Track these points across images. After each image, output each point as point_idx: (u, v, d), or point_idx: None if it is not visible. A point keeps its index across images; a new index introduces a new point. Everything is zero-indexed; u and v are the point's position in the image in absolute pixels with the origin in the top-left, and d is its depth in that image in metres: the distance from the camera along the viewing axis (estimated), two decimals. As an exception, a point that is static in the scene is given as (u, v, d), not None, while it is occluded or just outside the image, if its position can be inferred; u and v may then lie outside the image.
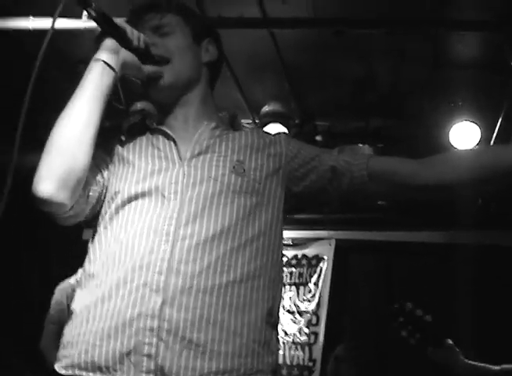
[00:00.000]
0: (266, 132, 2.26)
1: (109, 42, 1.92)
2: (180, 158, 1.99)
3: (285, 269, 6.63)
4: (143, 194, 1.93)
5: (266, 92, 5.44)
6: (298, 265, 6.68)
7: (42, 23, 4.21)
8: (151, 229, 1.86)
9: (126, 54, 1.95)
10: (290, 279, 6.63)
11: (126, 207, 1.93)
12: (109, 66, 1.92)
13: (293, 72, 5.12)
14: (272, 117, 5.34)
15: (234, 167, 1.98)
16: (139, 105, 4.95)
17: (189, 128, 2.10)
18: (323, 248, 6.66)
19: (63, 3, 1.75)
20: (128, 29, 1.94)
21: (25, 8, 4.29)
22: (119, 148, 2.09)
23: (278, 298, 1.97)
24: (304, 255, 6.70)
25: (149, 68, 2.03)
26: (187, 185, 1.92)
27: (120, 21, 1.94)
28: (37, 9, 4.25)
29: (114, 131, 2.21)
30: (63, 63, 4.59)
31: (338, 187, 2.06)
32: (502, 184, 2.00)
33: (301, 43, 4.75)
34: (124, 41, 1.92)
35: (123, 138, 2.16)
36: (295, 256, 6.72)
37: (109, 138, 2.13)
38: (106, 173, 2.01)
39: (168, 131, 2.07)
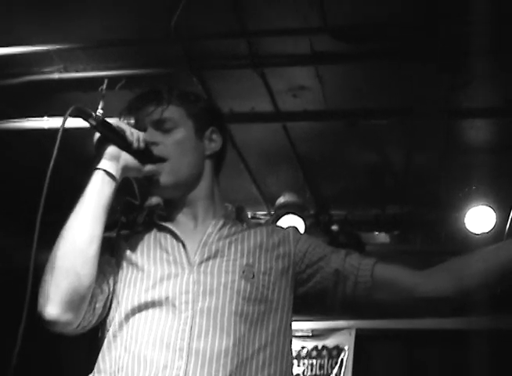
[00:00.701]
0: (276, 226, 2.23)
1: (109, 149, 1.90)
2: (189, 263, 1.94)
3: (305, 361, 6.56)
4: (153, 304, 1.88)
5: (281, 184, 5.46)
6: (319, 356, 6.57)
7: (57, 122, 4.28)
8: (163, 342, 1.81)
9: (127, 157, 1.93)
10: (311, 371, 6.52)
11: (136, 316, 1.89)
12: (110, 175, 1.89)
13: (307, 162, 5.16)
14: (288, 208, 5.34)
15: (243, 272, 1.93)
16: (154, 200, 4.97)
17: (198, 225, 2.07)
18: (343, 338, 6.57)
19: (67, 116, 1.75)
20: (128, 130, 1.92)
21: (41, 108, 4.38)
22: (126, 249, 2.03)
23: None
24: (324, 346, 6.61)
25: (147, 168, 2.00)
26: (198, 294, 1.87)
27: (119, 123, 1.95)
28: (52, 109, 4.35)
29: (123, 228, 2.19)
30: (79, 161, 4.64)
31: (342, 291, 2.01)
32: None
33: (313, 134, 4.80)
34: (123, 144, 1.91)
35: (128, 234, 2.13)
36: (315, 347, 6.63)
37: (118, 237, 2.09)
38: (111, 279, 1.97)
39: (177, 232, 2.02)
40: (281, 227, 2.20)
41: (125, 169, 1.94)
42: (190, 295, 1.87)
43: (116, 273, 1.98)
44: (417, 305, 2.02)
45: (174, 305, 1.86)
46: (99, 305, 1.91)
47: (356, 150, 5.02)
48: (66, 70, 4.29)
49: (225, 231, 2.05)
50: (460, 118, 4.42)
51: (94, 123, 1.84)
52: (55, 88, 4.41)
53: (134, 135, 1.93)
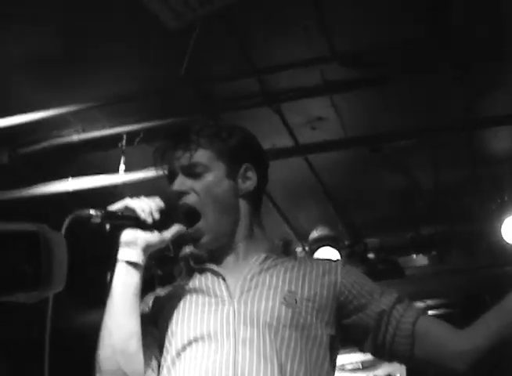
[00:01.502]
0: (322, 259, 2.15)
1: (124, 236, 1.85)
2: (230, 296, 1.92)
3: (358, 392, 6.45)
4: (197, 340, 1.86)
5: (311, 218, 5.44)
6: (370, 388, 6.47)
7: (81, 183, 4.31)
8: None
9: (145, 236, 1.87)
10: (364, 403, 6.41)
11: (182, 355, 1.87)
12: (132, 264, 1.85)
13: (334, 193, 5.13)
14: (322, 242, 5.30)
15: (285, 298, 1.89)
16: (188, 249, 4.96)
17: (239, 261, 2.03)
18: (394, 367, 6.45)
19: (65, 228, 1.65)
20: (138, 207, 1.85)
21: (65, 170, 4.42)
22: (168, 305, 2.01)
23: None
24: (375, 377, 6.50)
25: (172, 232, 1.93)
26: (238, 324, 1.84)
27: (127, 202, 1.87)
28: (75, 170, 4.38)
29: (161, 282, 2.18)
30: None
31: (383, 334, 1.95)
32: None
33: (337, 164, 4.78)
34: (137, 224, 1.86)
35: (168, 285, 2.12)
36: (366, 379, 6.53)
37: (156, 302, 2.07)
38: (157, 351, 1.95)
39: (216, 269, 2.00)
40: (328, 259, 2.12)
41: (147, 248, 1.87)
42: (231, 327, 1.84)
43: (162, 339, 1.95)
44: (452, 364, 1.90)
45: (216, 339, 1.84)
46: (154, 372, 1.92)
47: (383, 174, 4.99)
48: (85, 131, 4.33)
49: (267, 264, 2.00)
50: (483, 128, 4.37)
51: (98, 220, 1.76)
52: (76, 150, 4.45)
53: (145, 209, 1.86)
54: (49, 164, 4.50)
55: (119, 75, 3.87)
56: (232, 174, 2.04)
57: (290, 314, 1.86)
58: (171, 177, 2.07)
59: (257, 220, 2.12)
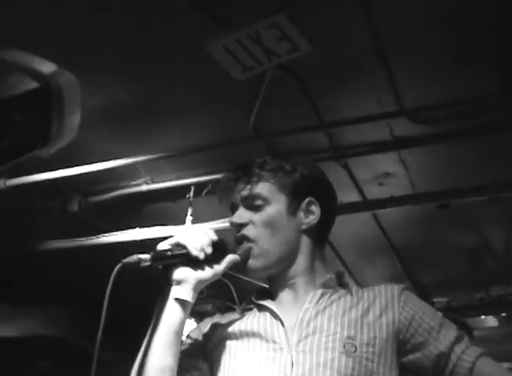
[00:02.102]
0: (379, 289, 2.01)
1: (175, 275, 1.80)
2: (288, 343, 1.86)
3: None
4: None
5: (378, 274, 5.37)
6: None
7: (148, 232, 4.35)
8: None
9: (197, 273, 1.83)
10: None
11: None
12: (181, 301, 1.81)
13: (402, 250, 5.07)
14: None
15: (344, 346, 1.81)
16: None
17: (298, 298, 1.98)
18: None
19: (115, 275, 1.66)
20: (189, 244, 1.79)
21: (131, 220, 4.47)
22: (223, 338, 1.99)
23: None
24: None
25: (225, 263, 1.91)
26: None
27: (178, 238, 1.82)
28: (143, 220, 4.43)
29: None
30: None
31: (439, 373, 1.89)
32: None
33: (405, 221, 4.72)
34: (189, 261, 1.81)
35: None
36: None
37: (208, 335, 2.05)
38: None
39: (276, 311, 1.95)
40: (385, 287, 2.00)
41: (199, 285, 1.84)
42: None
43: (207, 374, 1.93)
44: None
45: None
46: None
47: (452, 232, 4.91)
48: (153, 181, 4.39)
49: (323, 303, 1.94)
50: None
51: (149, 263, 1.73)
52: (145, 200, 4.51)
53: (197, 245, 1.81)
54: (118, 213, 4.56)
55: (188, 126, 3.92)
56: (293, 207, 2.01)
57: (350, 364, 1.79)
58: (233, 209, 2.06)
59: (319, 254, 2.07)
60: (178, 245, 1.79)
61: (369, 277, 5.41)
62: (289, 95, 3.61)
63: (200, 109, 3.79)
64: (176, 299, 1.80)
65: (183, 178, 4.30)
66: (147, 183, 4.40)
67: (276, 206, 1.99)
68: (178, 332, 1.82)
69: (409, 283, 5.41)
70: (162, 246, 1.79)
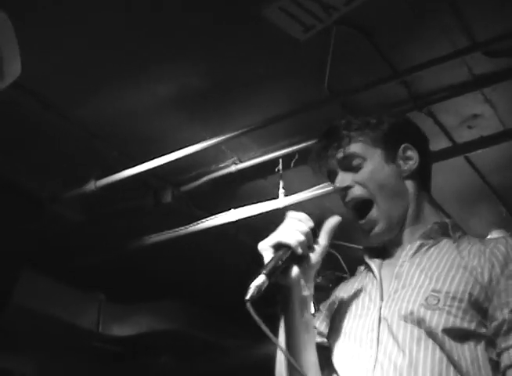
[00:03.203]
0: (495, 242, 1.86)
1: (290, 278, 1.79)
2: (381, 298, 1.86)
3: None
4: (349, 344, 1.86)
5: (484, 222, 5.21)
6: None
7: (243, 213, 4.37)
8: None
9: (308, 267, 1.82)
10: None
11: (336, 359, 1.89)
12: (304, 297, 1.82)
13: (504, 193, 4.92)
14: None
15: (427, 299, 1.75)
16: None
17: (403, 249, 1.96)
18: None
19: (251, 309, 1.61)
20: (292, 243, 1.75)
21: (225, 203, 4.50)
22: (339, 298, 2.04)
23: None
24: None
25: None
26: (383, 332, 1.78)
27: (277, 238, 1.77)
28: (236, 201, 4.45)
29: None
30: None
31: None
32: None
33: (502, 161, 4.56)
34: (298, 260, 1.79)
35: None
36: None
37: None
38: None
39: (374, 269, 1.97)
40: (501, 241, 1.86)
41: (312, 272, 1.84)
42: (375, 333, 1.80)
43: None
44: None
45: (361, 345, 1.81)
46: None
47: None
48: (241, 161, 4.40)
49: (419, 256, 1.91)
50: None
51: (267, 284, 1.68)
52: (235, 181, 4.53)
53: (301, 241, 1.77)
54: (211, 198, 4.60)
55: (263, 100, 3.91)
56: (391, 157, 2.02)
57: (428, 317, 1.72)
58: (332, 177, 2.06)
59: (427, 198, 2.05)
60: (281, 246, 1.76)
61: (476, 227, 5.25)
62: (358, 50, 3.54)
63: (273, 80, 3.77)
64: (299, 299, 1.81)
65: (269, 152, 4.29)
66: (235, 164, 4.41)
67: (375, 160, 2.00)
68: (310, 327, 1.86)
69: (517, 227, 5.24)
70: (263, 247, 1.77)
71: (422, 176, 2.06)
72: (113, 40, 3.41)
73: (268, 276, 1.67)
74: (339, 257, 5.07)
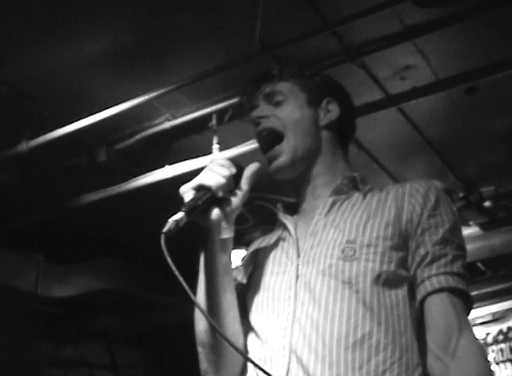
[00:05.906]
0: (409, 186, 1.88)
1: (210, 219, 1.77)
2: (298, 254, 1.88)
3: (493, 347, 6.26)
4: (266, 304, 1.87)
5: (420, 173, 5.28)
6: (506, 339, 6.25)
7: (178, 168, 4.34)
8: (268, 342, 1.80)
9: (228, 207, 1.80)
10: (503, 356, 6.19)
11: (252, 319, 1.91)
12: (225, 240, 1.81)
13: (438, 145, 4.96)
14: (435, 196, 5.12)
15: (343, 251, 1.78)
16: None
17: (316, 206, 1.97)
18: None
19: (164, 242, 1.57)
20: (214, 185, 1.73)
21: (160, 159, 4.46)
22: (258, 251, 2.04)
23: None
24: (509, 328, 6.28)
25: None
26: (300, 289, 1.80)
27: (198, 181, 1.74)
28: (171, 157, 4.42)
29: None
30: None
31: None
32: None
33: (435, 113, 4.60)
34: (219, 201, 1.78)
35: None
36: (500, 331, 6.31)
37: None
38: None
39: (289, 227, 1.97)
40: (414, 184, 1.88)
41: (233, 215, 1.82)
42: (292, 291, 1.81)
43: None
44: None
45: (279, 303, 1.83)
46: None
47: (486, 117, 4.75)
48: (174, 117, 4.36)
49: (333, 213, 1.92)
50: None
51: (185, 220, 1.65)
52: (170, 137, 4.49)
53: (221, 183, 1.75)
54: (146, 155, 4.56)
55: (195, 55, 3.88)
56: (313, 105, 2.05)
57: (347, 268, 1.75)
58: (253, 108, 2.08)
59: (341, 154, 2.08)
60: (202, 188, 1.74)
61: (412, 178, 5.27)
62: (289, 2, 3.52)
63: (205, 33, 3.73)
64: (220, 240, 1.80)
65: (203, 108, 4.25)
66: (169, 120, 4.37)
67: (297, 101, 2.03)
68: (231, 269, 1.86)
69: (452, 177, 5.31)
70: (184, 190, 1.74)
71: (340, 132, 2.08)
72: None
73: (187, 213, 1.65)
74: (272, 208, 5.07)
